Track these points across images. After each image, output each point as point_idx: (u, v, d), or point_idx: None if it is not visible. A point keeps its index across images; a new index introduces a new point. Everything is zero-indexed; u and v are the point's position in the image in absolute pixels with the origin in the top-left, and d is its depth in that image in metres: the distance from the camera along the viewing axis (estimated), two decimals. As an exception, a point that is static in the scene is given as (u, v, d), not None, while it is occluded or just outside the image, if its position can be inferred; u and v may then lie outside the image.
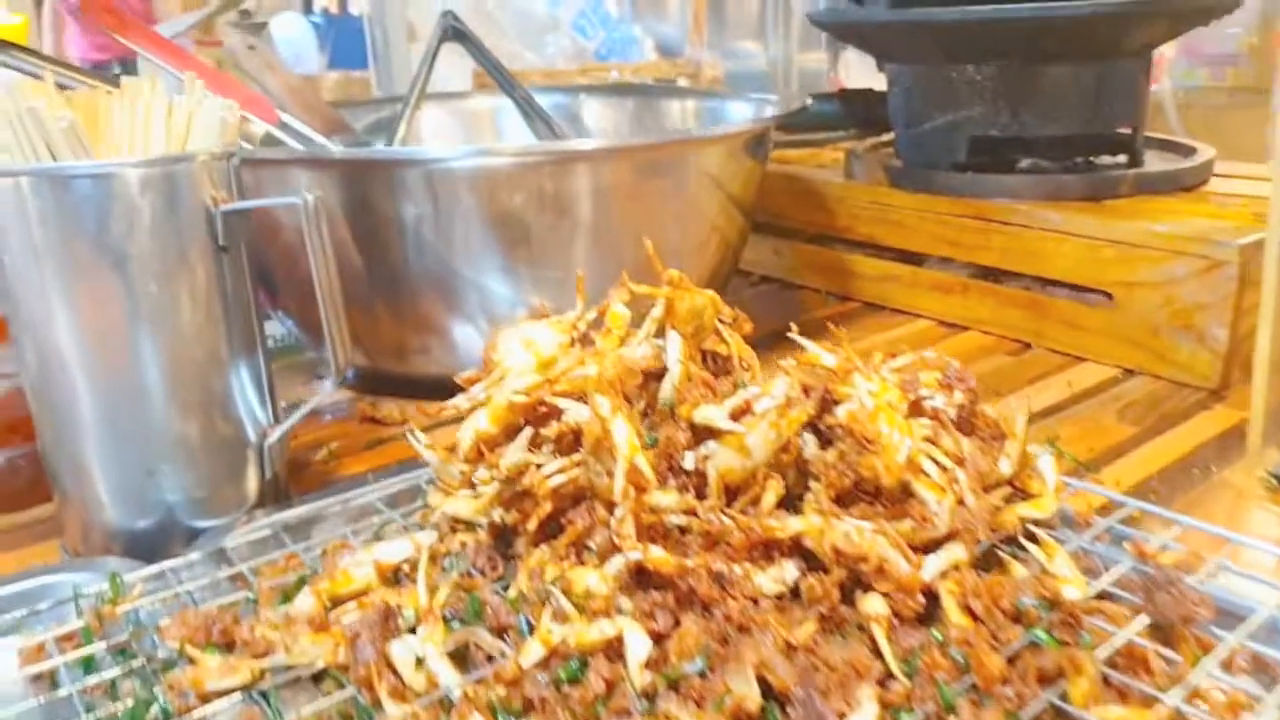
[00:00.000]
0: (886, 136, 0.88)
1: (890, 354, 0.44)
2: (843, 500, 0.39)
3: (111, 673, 0.37)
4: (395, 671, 0.34)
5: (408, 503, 0.48)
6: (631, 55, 1.35)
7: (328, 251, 0.46)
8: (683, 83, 0.98)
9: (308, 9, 2.49)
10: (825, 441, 0.41)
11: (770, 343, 0.51)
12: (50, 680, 0.38)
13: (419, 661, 0.34)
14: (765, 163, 0.73)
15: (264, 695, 0.35)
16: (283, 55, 1.91)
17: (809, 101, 0.72)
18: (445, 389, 0.64)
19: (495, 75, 0.89)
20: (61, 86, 0.47)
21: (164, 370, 0.45)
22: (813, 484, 0.39)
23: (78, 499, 0.47)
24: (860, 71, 1.74)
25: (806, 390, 0.40)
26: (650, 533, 0.37)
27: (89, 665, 0.38)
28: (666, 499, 0.37)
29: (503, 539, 0.42)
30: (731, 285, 0.77)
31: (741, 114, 0.80)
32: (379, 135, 0.84)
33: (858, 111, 0.94)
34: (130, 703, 0.35)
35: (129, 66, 2.65)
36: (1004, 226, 0.70)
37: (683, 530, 0.38)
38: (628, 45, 1.36)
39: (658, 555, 0.35)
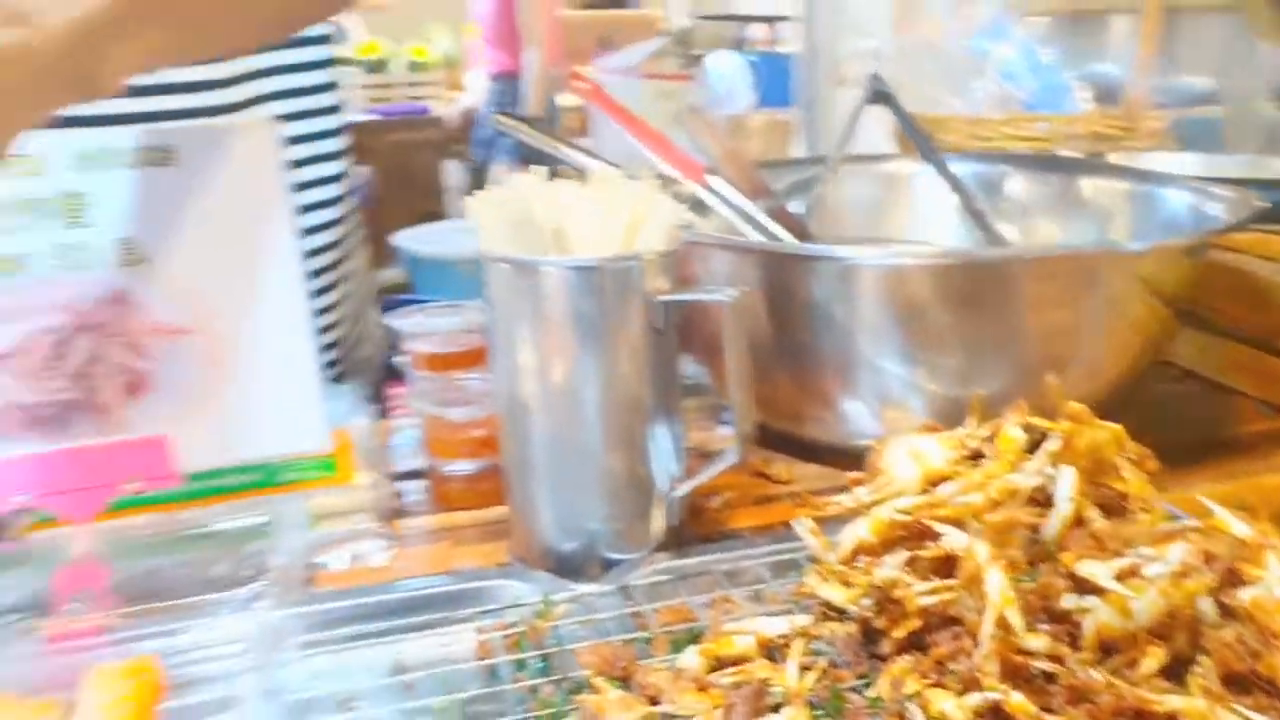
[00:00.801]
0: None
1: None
2: (1235, 681, 0.38)
3: (538, 680, 0.45)
4: (761, 745, 0.39)
5: (787, 572, 0.53)
6: (1064, 105, 1.29)
7: (743, 343, 0.52)
8: (1135, 159, 0.91)
9: (736, 46, 2.64)
10: (1227, 612, 0.39)
11: (1189, 454, 0.48)
12: (491, 671, 0.48)
13: (782, 742, 0.39)
14: (1203, 256, 0.68)
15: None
16: (716, 91, 2.06)
17: (1263, 204, 0.66)
18: (832, 454, 0.69)
19: (917, 142, 0.91)
20: (550, 168, 0.58)
21: (602, 422, 0.54)
22: (1202, 659, 0.38)
23: (524, 515, 0.57)
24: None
25: (1209, 559, 0.38)
26: (1015, 672, 0.39)
27: (521, 665, 0.47)
28: (1036, 643, 0.39)
29: (869, 637, 0.45)
30: (1150, 378, 0.72)
31: (1178, 204, 0.75)
32: (797, 196, 0.90)
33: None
34: (549, 712, 0.43)
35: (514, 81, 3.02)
36: None
37: (1049, 677, 0.39)
38: (1060, 94, 1.30)
39: (1018, 702, 0.36)
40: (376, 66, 4.16)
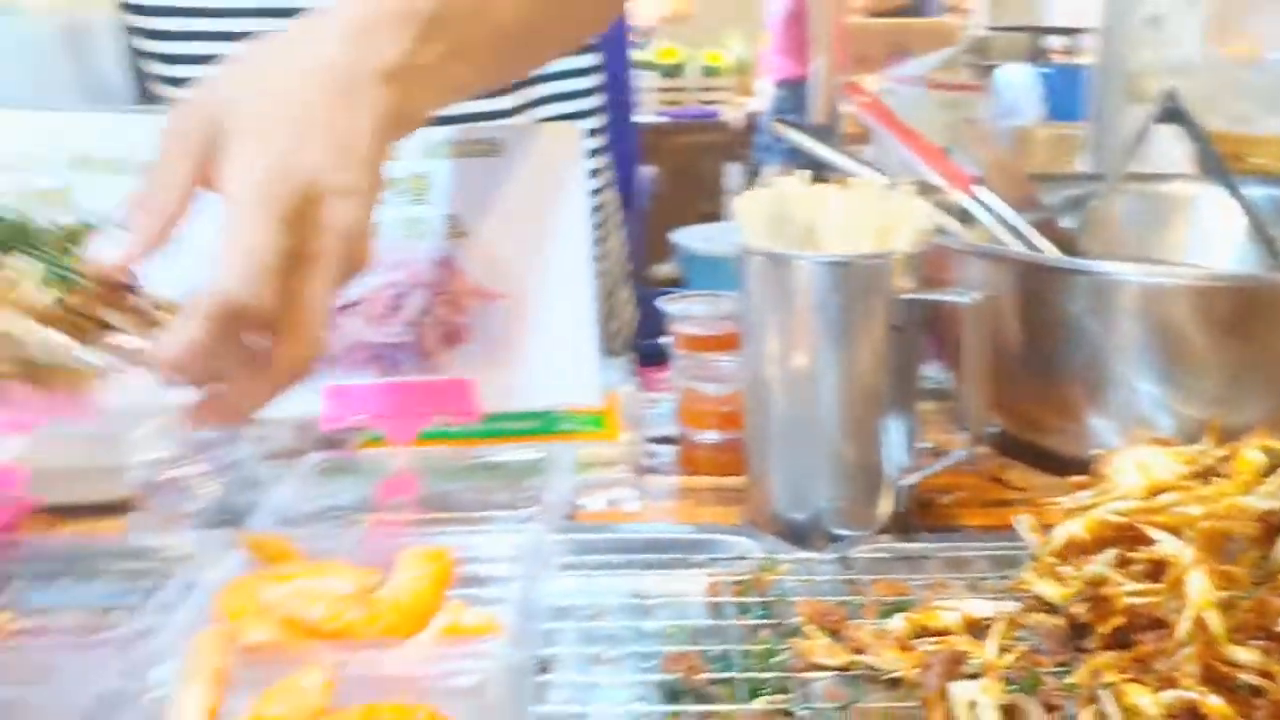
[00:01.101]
0: None
1: None
2: None
3: (757, 622, 0.51)
4: (949, 705, 0.43)
5: (1006, 567, 0.55)
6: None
7: (983, 345, 0.55)
8: None
9: (1033, 57, 2.53)
10: None
11: None
12: (717, 608, 0.54)
13: (971, 705, 0.42)
14: None
15: (850, 681, 0.46)
16: (1003, 102, 2.01)
17: None
18: (1074, 466, 0.69)
19: (1207, 163, 0.87)
20: (815, 172, 0.63)
21: (837, 408, 0.59)
22: None
23: (760, 485, 0.63)
24: None
25: None
26: (1219, 679, 0.40)
27: (744, 609, 0.53)
28: (1245, 656, 0.39)
29: (1076, 630, 0.47)
30: None
31: None
32: (1073, 212, 0.89)
33: None
34: (763, 648, 0.49)
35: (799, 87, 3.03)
36: None
37: (1255, 691, 0.39)
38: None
39: (1215, 704, 0.38)
40: (672, 71, 4.36)
